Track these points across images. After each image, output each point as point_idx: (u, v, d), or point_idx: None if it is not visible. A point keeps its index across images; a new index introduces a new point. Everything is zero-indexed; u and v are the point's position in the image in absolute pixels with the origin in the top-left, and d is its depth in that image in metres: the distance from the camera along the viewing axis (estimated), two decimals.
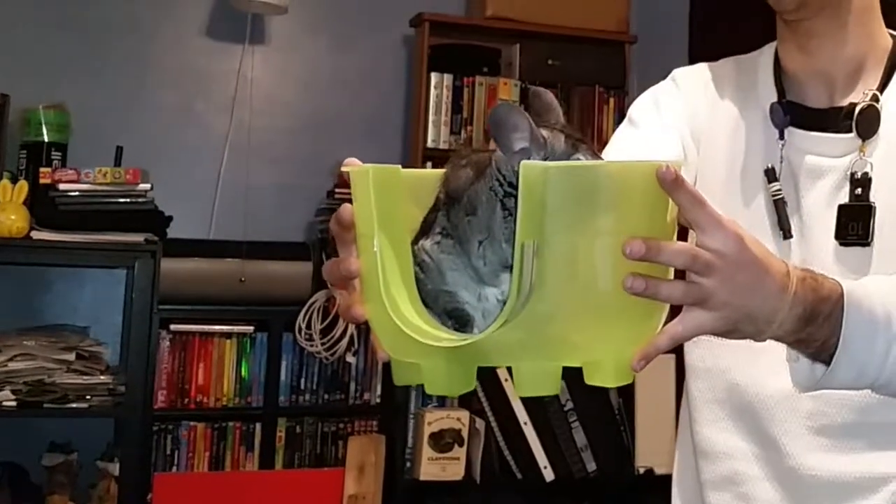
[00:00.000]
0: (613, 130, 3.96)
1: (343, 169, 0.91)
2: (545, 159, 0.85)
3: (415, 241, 0.91)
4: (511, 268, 0.83)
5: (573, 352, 0.87)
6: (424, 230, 0.91)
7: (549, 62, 3.62)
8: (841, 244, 1.18)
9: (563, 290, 0.83)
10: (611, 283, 0.84)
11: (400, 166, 0.92)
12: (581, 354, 0.88)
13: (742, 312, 0.90)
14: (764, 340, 0.94)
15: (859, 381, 1.00)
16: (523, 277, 0.81)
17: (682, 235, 0.92)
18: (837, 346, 0.97)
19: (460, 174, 0.88)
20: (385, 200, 0.88)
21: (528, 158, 0.84)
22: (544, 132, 0.87)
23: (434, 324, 0.88)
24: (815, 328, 0.95)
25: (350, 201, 0.92)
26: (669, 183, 0.84)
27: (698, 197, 0.86)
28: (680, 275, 0.89)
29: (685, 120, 1.32)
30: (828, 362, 0.98)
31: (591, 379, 0.88)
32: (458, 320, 0.88)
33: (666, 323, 0.91)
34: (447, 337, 0.86)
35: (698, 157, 1.31)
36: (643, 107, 1.36)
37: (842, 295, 0.97)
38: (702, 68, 1.37)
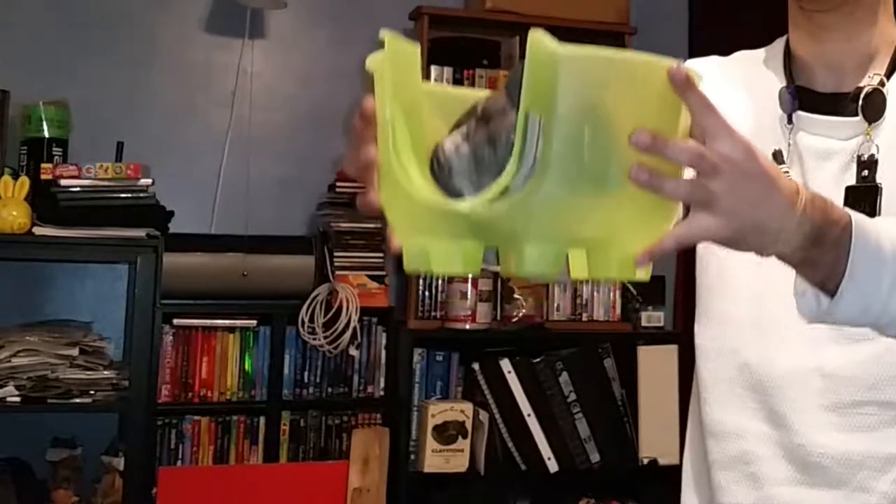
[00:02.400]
0: None
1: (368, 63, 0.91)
2: None
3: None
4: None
5: (577, 237, 0.87)
6: (453, 128, 0.92)
7: None
8: None
9: (569, 174, 0.82)
10: (618, 174, 0.83)
11: (418, 48, 0.94)
12: (584, 242, 0.87)
13: (749, 222, 0.89)
14: (769, 255, 0.94)
15: (864, 315, 0.99)
16: (527, 148, 0.81)
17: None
18: (844, 275, 0.96)
19: (500, 102, 0.87)
20: (402, 78, 0.88)
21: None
22: None
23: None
24: (822, 251, 0.95)
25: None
26: (680, 83, 0.84)
27: (709, 102, 0.86)
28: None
29: None
30: (833, 294, 0.97)
31: (595, 271, 0.88)
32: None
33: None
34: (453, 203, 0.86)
35: None
36: None
37: (850, 222, 0.97)
38: (713, 59, 1.40)
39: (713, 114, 0.86)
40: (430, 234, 0.90)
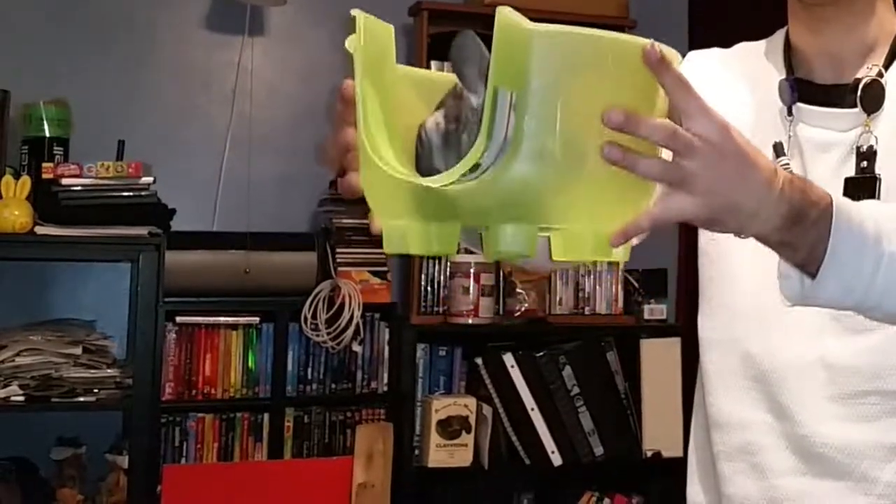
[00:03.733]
0: None
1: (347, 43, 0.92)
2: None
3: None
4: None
5: (551, 217, 0.86)
6: (435, 109, 0.91)
7: None
8: None
9: (542, 152, 0.81)
10: (593, 153, 0.83)
11: (393, 28, 0.94)
12: (559, 222, 0.86)
13: (725, 202, 0.89)
14: (748, 236, 0.94)
15: (847, 297, 0.98)
16: (496, 124, 0.80)
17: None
18: (824, 256, 0.95)
19: (471, 73, 0.87)
20: (374, 56, 0.88)
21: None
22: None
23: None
24: (802, 231, 0.94)
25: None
26: (654, 63, 0.83)
27: (684, 81, 0.85)
28: None
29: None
30: (815, 275, 0.97)
31: (568, 252, 0.87)
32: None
33: None
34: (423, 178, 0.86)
35: None
36: None
37: (830, 203, 0.96)
38: (714, 51, 1.40)
39: (689, 93, 0.86)
40: (408, 216, 0.90)
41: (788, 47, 1.31)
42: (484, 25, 3.25)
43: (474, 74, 0.85)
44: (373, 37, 0.91)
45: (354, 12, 0.91)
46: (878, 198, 1.18)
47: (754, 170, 0.89)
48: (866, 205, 1.02)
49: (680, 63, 0.88)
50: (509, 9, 0.80)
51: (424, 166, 0.88)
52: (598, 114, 0.82)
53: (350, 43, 0.91)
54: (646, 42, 0.84)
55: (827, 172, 1.22)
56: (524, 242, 0.85)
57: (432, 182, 0.83)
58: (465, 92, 0.86)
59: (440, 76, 1.00)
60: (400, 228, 0.91)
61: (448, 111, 0.88)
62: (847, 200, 0.99)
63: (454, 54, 0.87)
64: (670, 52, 0.86)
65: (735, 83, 1.34)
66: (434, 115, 0.89)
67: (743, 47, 1.40)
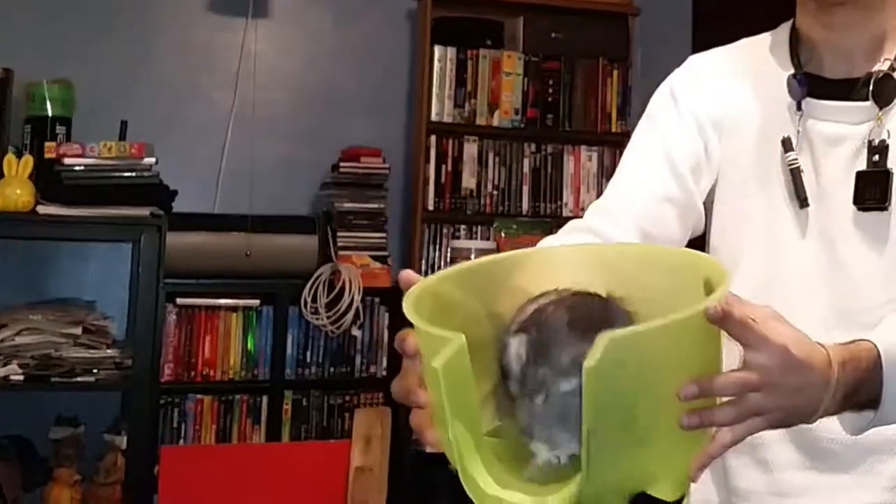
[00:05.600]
0: (617, 103, 3.95)
1: (405, 305, 0.90)
2: None
3: (509, 332, 0.92)
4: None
5: (636, 483, 0.90)
6: (521, 328, 0.91)
7: (553, 35, 3.61)
8: (860, 209, 1.19)
9: (622, 446, 0.85)
10: (669, 425, 0.87)
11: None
12: (643, 483, 0.90)
13: (789, 412, 0.93)
14: (812, 422, 0.98)
15: None
16: (591, 461, 0.84)
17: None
18: (880, 399, 1.00)
19: (560, 335, 0.88)
20: (456, 386, 0.88)
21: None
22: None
23: (508, 480, 0.90)
24: (857, 398, 0.99)
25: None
26: (718, 320, 0.86)
27: (744, 321, 0.88)
28: None
29: (705, 109, 1.32)
30: (874, 408, 1.01)
31: (653, 492, 0.92)
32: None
33: None
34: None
35: (721, 143, 1.31)
36: (661, 102, 1.36)
37: (878, 356, 1.00)
38: (716, 53, 1.38)
39: (748, 329, 0.89)
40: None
41: (795, 41, 1.30)
42: (487, 10, 3.22)
43: (567, 360, 0.87)
44: (453, 375, 0.88)
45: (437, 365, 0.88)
46: (891, 192, 1.18)
47: (812, 376, 0.93)
48: None
49: (726, 279, 0.90)
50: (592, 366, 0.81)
51: (507, 390, 0.91)
52: (667, 392, 0.86)
53: (438, 364, 0.87)
54: (707, 306, 0.86)
55: (839, 166, 1.22)
56: None
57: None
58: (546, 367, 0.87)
59: (476, 268, 1.00)
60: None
61: (529, 343, 0.89)
62: (890, 338, 1.02)
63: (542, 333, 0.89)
64: (722, 287, 0.88)
65: (740, 80, 1.33)
66: (519, 341, 0.90)
67: (747, 43, 1.38)
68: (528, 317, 0.92)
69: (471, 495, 0.90)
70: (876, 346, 1.00)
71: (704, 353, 0.90)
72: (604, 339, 0.81)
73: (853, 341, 1.00)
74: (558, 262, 1.01)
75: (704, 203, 1.33)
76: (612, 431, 0.84)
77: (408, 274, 0.94)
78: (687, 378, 0.86)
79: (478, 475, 0.89)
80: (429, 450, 3.32)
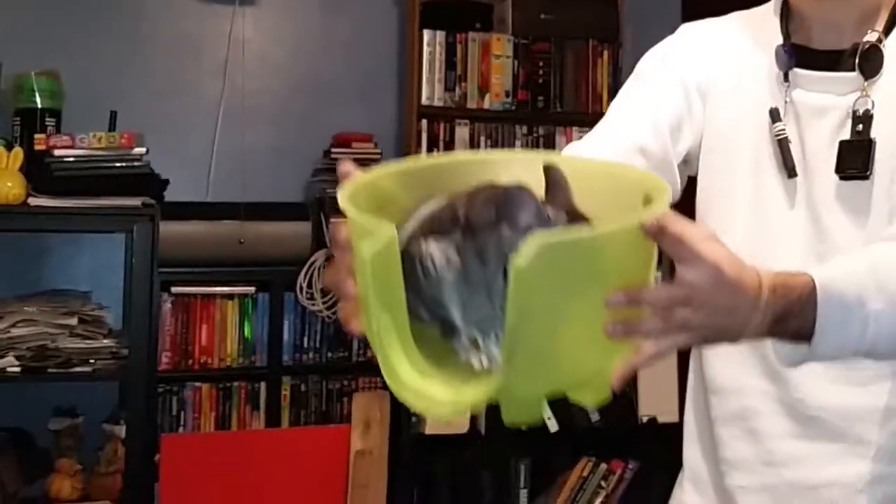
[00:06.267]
0: (608, 84, 3.94)
1: (339, 196, 0.90)
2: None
3: (420, 235, 0.90)
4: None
5: (556, 386, 0.91)
6: (434, 230, 0.90)
7: (542, 16, 3.61)
8: (841, 178, 1.20)
9: (543, 348, 0.86)
10: (593, 331, 0.87)
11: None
12: (563, 387, 0.91)
13: (715, 329, 0.94)
14: (737, 343, 0.98)
15: (840, 356, 1.04)
16: (512, 360, 0.85)
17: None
18: (814, 331, 0.99)
19: (484, 212, 0.88)
20: (383, 277, 0.88)
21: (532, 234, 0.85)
22: (550, 211, 0.88)
23: (429, 372, 0.90)
24: (786, 325, 0.98)
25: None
26: (655, 235, 0.88)
27: (679, 237, 0.89)
28: None
29: (692, 74, 1.33)
30: (808, 341, 1.00)
31: (573, 397, 0.93)
32: (445, 328, 0.90)
33: None
34: (445, 400, 0.89)
35: (705, 110, 1.32)
36: (651, 61, 1.38)
37: (814, 289, 0.99)
38: (709, 22, 1.39)
39: (683, 245, 0.89)
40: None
41: (785, 14, 1.30)
42: None
43: (526, 223, 0.86)
44: (380, 266, 0.87)
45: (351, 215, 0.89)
46: (872, 161, 1.18)
47: (741, 296, 0.93)
48: (845, 268, 1.04)
49: (665, 195, 0.91)
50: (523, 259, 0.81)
51: (428, 295, 0.89)
52: (597, 299, 0.86)
53: (366, 252, 0.87)
54: (644, 219, 0.87)
55: (823, 137, 1.22)
56: (534, 414, 0.93)
57: (446, 411, 0.88)
58: (504, 229, 0.86)
59: (418, 167, 1.01)
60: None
61: (458, 244, 0.88)
62: (827, 276, 1.01)
63: (499, 197, 0.87)
64: (661, 202, 0.90)
65: (729, 49, 1.33)
66: (439, 245, 0.88)
67: (737, 15, 1.38)
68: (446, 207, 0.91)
69: (391, 387, 0.91)
70: (813, 280, 1.00)
71: (636, 265, 0.90)
72: (536, 240, 0.81)
73: (792, 273, 1.00)
74: (501, 168, 1.00)
75: (691, 175, 1.34)
76: (535, 333, 0.84)
77: (347, 165, 0.95)
78: (617, 288, 0.87)
79: (399, 367, 0.90)
80: (428, 432, 3.31)
